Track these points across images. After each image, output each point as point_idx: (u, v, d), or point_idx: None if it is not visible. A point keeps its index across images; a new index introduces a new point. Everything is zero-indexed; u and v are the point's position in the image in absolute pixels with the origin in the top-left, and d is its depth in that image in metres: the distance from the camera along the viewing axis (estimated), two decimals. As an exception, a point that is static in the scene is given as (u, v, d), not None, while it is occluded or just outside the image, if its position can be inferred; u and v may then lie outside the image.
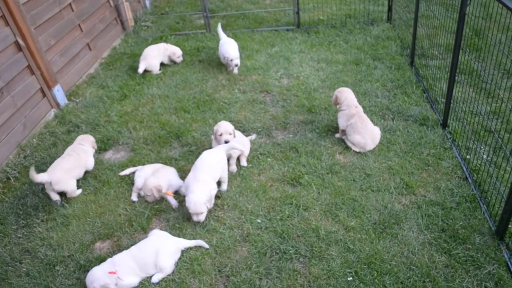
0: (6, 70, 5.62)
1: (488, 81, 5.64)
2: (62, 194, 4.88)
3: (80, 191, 4.97)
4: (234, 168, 5.14)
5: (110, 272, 3.71)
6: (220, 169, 4.73)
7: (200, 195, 4.31)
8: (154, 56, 7.49)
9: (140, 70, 7.36)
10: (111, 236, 4.43)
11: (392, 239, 4.12)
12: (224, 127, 5.04)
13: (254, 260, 4.02)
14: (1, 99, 5.51)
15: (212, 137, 5.22)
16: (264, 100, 6.50)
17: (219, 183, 4.81)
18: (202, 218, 4.35)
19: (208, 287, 3.82)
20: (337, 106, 5.40)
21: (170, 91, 6.95)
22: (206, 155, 4.74)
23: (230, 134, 5.03)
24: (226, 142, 4.97)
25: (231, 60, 7.08)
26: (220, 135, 5.01)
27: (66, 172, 4.80)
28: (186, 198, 4.36)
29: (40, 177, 4.64)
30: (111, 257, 4.02)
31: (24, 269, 4.14)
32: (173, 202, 4.71)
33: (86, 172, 5.18)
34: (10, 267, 4.17)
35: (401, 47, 7.63)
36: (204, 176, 4.51)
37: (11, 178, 5.28)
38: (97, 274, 3.69)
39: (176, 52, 7.75)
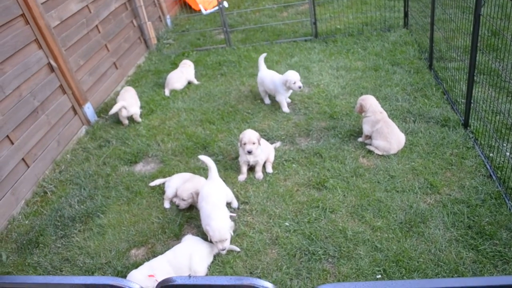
0: (40, 91, 5.95)
1: (507, 79, 5.68)
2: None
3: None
4: (260, 175, 5.29)
5: (149, 276, 3.89)
6: (225, 194, 4.70)
7: (223, 221, 4.25)
8: (177, 80, 7.81)
9: (167, 93, 7.70)
10: (146, 243, 4.62)
11: (418, 237, 4.20)
12: (248, 136, 5.17)
13: (284, 262, 4.15)
14: (36, 118, 5.82)
15: (238, 144, 5.39)
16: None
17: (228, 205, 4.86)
18: (227, 245, 4.20)
19: (240, 289, 3.95)
20: (362, 114, 5.52)
21: (195, 104, 7.19)
22: (207, 188, 4.60)
23: (254, 143, 5.14)
24: (249, 152, 5.10)
25: (294, 83, 6.31)
26: (244, 144, 5.16)
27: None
28: (208, 227, 4.20)
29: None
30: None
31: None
32: None
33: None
34: (51, 275, 4.38)
35: (419, 51, 7.71)
36: (219, 204, 4.47)
37: (48, 192, 5.55)
38: (137, 277, 3.87)
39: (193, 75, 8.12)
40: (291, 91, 6.53)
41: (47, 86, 6.12)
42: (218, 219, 4.22)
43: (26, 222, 5.15)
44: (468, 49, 5.29)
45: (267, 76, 6.73)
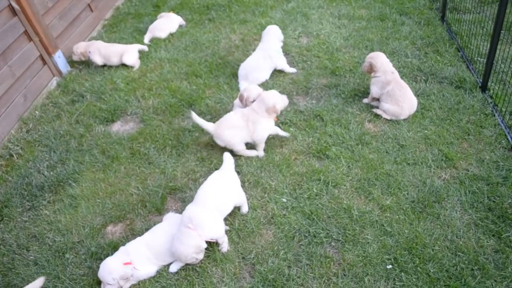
0: (1, 38, 5.12)
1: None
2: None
3: None
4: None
5: (125, 263, 3.38)
6: (232, 195, 3.83)
7: (191, 240, 3.42)
8: (162, 29, 6.96)
9: (146, 40, 6.90)
10: (123, 219, 4.07)
11: (433, 220, 3.72)
12: (256, 91, 4.56)
13: (281, 245, 3.66)
14: (-3, 69, 5.05)
15: (236, 102, 4.74)
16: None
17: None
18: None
19: (232, 277, 3.48)
20: (372, 74, 4.86)
21: (179, 54, 6.42)
22: (210, 183, 3.75)
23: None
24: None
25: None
26: (253, 101, 4.53)
27: None
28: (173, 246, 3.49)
29: None
30: (124, 243, 3.70)
31: (31, 257, 3.82)
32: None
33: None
34: (17, 255, 3.85)
35: (430, 0, 6.95)
36: (211, 205, 3.61)
37: (14, 155, 4.90)
38: (113, 265, 3.35)
39: (180, 23, 7.25)
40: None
41: (9, 32, 5.27)
42: (186, 240, 3.41)
43: (-11, 190, 4.54)
44: (486, 0, 4.59)
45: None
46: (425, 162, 4.22)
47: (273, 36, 5.62)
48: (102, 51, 6.12)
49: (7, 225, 4.14)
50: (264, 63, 5.54)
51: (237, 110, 4.60)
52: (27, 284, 3.37)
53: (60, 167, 4.66)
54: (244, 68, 5.58)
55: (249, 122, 4.40)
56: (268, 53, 5.54)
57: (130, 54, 6.15)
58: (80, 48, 6.12)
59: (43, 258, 3.79)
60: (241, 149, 4.50)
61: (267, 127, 4.44)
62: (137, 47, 6.30)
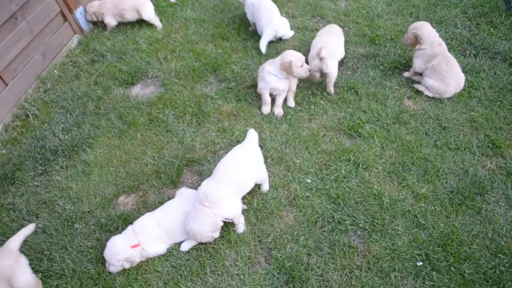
0: (18, -9, 4.85)
1: None
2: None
3: None
4: (280, 111, 4.36)
5: (133, 246, 3.15)
6: (253, 171, 3.47)
7: (207, 220, 3.19)
8: None
9: None
10: (137, 190, 3.85)
11: (473, 214, 3.33)
12: (299, 57, 4.21)
13: (302, 230, 3.36)
14: (15, 25, 4.78)
15: (268, 69, 4.32)
16: (317, 27, 5.49)
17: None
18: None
19: (246, 261, 3.23)
20: (416, 46, 4.35)
21: (206, 14, 6.01)
22: (231, 158, 3.43)
23: (302, 66, 4.21)
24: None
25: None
26: (301, 65, 4.19)
27: None
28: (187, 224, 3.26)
29: None
30: (135, 216, 3.50)
31: (40, 224, 3.66)
32: None
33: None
34: (26, 222, 3.70)
35: (487, -38, 6.24)
36: (230, 184, 3.30)
37: (30, 116, 4.71)
38: (120, 246, 3.14)
39: None
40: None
41: (27, -16, 4.98)
42: (201, 218, 3.17)
43: (3, 151, 4.37)
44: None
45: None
46: (469, 148, 3.79)
47: None
48: (114, 10, 5.74)
49: (19, 189, 3.99)
50: None
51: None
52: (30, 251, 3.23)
53: (76, 131, 4.45)
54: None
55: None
56: None
57: (146, 8, 5.74)
58: (93, 7, 5.74)
59: (52, 226, 3.62)
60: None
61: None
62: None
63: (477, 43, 4.85)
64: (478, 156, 3.72)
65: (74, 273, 3.27)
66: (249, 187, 3.44)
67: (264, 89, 4.36)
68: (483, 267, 3.01)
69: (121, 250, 3.12)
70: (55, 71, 5.28)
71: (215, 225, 3.19)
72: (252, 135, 3.61)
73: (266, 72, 4.29)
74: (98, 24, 5.98)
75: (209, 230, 3.18)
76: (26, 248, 3.45)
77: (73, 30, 5.72)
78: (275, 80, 4.26)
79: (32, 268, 3.15)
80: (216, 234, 3.27)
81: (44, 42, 5.23)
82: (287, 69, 4.16)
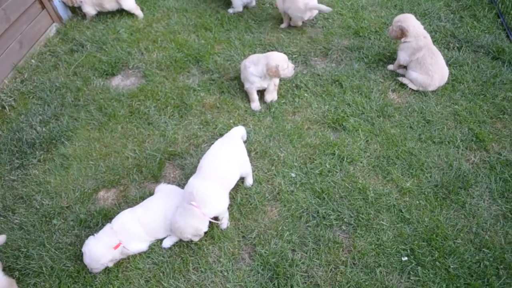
0: (-6, -23, 4.66)
1: None
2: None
3: None
4: (274, 96, 4.33)
5: (116, 247, 3.05)
6: (238, 165, 3.39)
7: (192, 218, 3.11)
8: None
9: None
10: (117, 184, 3.75)
11: (457, 208, 3.34)
12: (284, 59, 4.07)
13: (286, 226, 3.32)
14: (-11, 12, 4.61)
15: (252, 70, 4.18)
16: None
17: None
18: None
19: (229, 258, 3.17)
20: (401, 39, 4.31)
21: (189, 4, 5.89)
22: (214, 153, 3.33)
23: (287, 67, 4.10)
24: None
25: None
26: (287, 67, 4.08)
27: None
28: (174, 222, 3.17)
29: None
30: (115, 211, 3.39)
31: (17, 220, 3.55)
32: None
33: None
34: (1, 217, 3.58)
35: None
36: (215, 178, 3.22)
37: (6, 107, 4.55)
38: (100, 249, 3.02)
39: None
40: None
41: (3, -30, 4.79)
42: (189, 218, 3.10)
43: (-23, 144, 4.23)
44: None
45: None
46: (453, 142, 3.79)
47: None
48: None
49: (-6, 184, 3.86)
50: None
51: None
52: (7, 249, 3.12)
53: (54, 123, 4.31)
54: None
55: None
56: None
57: None
58: None
59: (29, 222, 3.51)
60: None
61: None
62: None
63: (461, 36, 4.85)
64: (462, 150, 3.72)
65: (53, 271, 3.17)
66: (235, 180, 3.37)
67: (250, 89, 4.28)
68: (468, 262, 3.01)
69: (103, 255, 3.01)
70: (33, 60, 5.11)
71: (199, 230, 3.12)
72: (236, 129, 3.55)
73: (250, 73, 4.20)
74: (78, 13, 5.80)
75: (191, 232, 3.11)
76: (2, 246, 3.33)
77: (51, 18, 5.54)
78: (259, 80, 4.19)
79: (8, 266, 3.06)
80: (196, 239, 3.20)
81: (21, 31, 5.05)
82: (275, 74, 4.06)
